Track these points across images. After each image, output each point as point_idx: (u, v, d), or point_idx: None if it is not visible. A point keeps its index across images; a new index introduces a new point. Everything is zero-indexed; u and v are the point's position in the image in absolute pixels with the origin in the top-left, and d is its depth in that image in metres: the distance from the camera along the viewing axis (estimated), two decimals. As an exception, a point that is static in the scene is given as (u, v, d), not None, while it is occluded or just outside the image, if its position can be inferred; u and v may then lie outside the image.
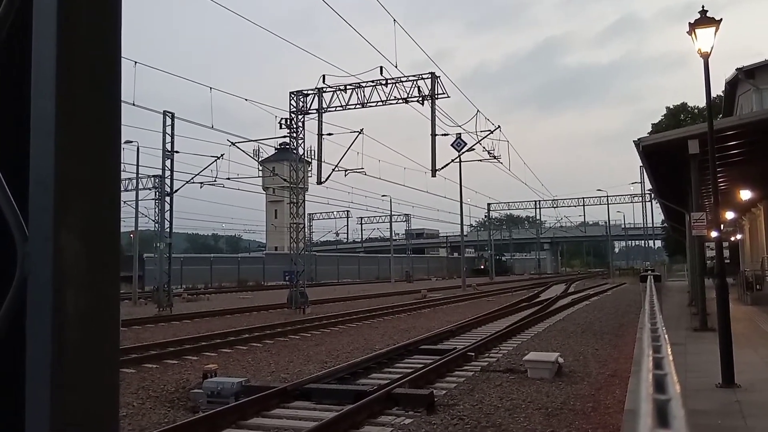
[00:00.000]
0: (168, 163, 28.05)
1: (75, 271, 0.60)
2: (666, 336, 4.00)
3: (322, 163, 29.25)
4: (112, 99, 0.66)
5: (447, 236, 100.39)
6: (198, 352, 14.02)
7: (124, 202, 35.40)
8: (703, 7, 10.68)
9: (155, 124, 27.86)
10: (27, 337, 0.60)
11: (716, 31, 10.46)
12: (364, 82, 26.94)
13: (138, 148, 32.80)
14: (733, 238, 34.87)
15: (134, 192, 35.43)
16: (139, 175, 35.19)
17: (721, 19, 10.53)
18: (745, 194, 22.29)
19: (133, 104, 22.58)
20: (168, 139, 27.60)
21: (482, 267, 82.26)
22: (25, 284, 0.61)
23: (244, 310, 25.74)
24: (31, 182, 0.61)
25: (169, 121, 27.52)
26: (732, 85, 27.28)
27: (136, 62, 22.05)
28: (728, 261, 23.37)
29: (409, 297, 34.72)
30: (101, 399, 0.62)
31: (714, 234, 13.92)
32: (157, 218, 30.78)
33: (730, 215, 27.83)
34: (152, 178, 35.84)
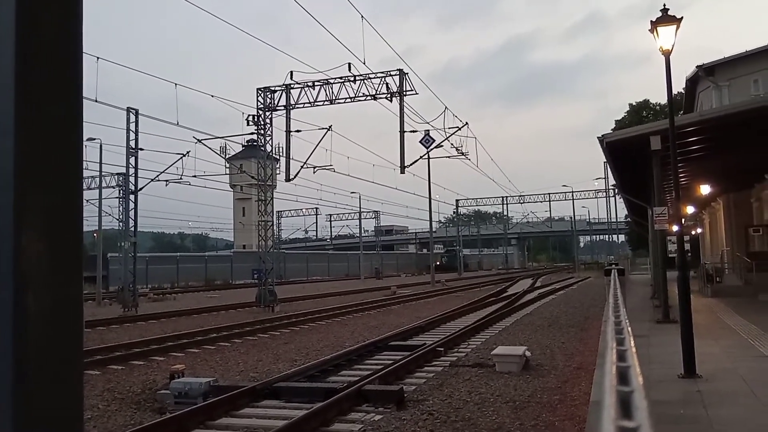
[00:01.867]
0: (132, 160, 27.52)
1: (36, 272, 0.59)
2: (629, 329, 4.09)
3: (291, 160, 29.07)
4: (74, 96, 0.65)
5: (416, 233, 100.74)
6: (165, 352, 13.83)
7: (87, 200, 34.66)
8: (664, 5, 10.90)
9: (119, 121, 27.36)
10: (-13, 339, 0.59)
11: (677, 29, 10.68)
12: (332, 78, 26.84)
13: (101, 146, 32.07)
14: (693, 232, 35.76)
15: (97, 190, 34.68)
16: (103, 173, 34.47)
17: (682, 18, 10.75)
18: (705, 189, 22.88)
19: (96, 101, 22.10)
20: (132, 136, 27.08)
21: (438, 263, 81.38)
22: (-15, 285, 0.59)
23: (211, 309, 25.47)
24: (-11, 181, 0.60)
25: (133, 118, 27.00)
26: (692, 82, 27.92)
27: (98, 58, 21.57)
28: (690, 254, 23.94)
29: (378, 293, 34.77)
30: (65, 400, 0.61)
31: (675, 228, 14.25)
32: (121, 217, 30.20)
33: (690, 209, 28.51)
34: (116, 176, 35.13)
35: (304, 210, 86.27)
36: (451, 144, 32.86)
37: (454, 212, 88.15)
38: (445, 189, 77.59)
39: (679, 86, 29.73)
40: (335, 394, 8.56)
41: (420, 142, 31.25)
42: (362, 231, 75.69)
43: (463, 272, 70.48)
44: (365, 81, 26.48)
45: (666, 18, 10.75)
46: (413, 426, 7.52)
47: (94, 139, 31.55)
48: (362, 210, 68.89)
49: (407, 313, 23.17)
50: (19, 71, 0.60)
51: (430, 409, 8.20)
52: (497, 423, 7.59)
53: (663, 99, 51.29)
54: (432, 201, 51.82)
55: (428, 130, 30.76)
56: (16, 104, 0.60)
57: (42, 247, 0.60)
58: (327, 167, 29.97)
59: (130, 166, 27.68)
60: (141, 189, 28.64)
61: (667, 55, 10.60)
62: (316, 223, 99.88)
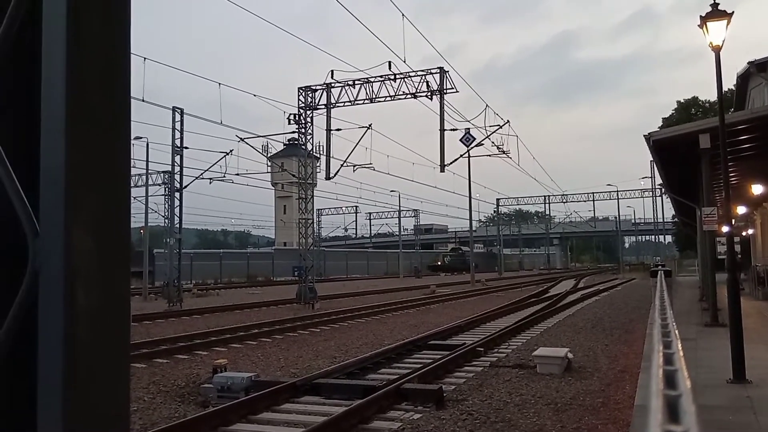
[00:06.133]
0: (177, 159, 28.15)
1: (86, 267, 0.60)
2: (676, 331, 3.98)
3: (331, 159, 29.30)
4: (122, 95, 0.66)
5: (456, 231, 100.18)
6: (208, 347, 14.09)
7: (134, 198, 35.55)
8: (714, -1, 10.60)
9: (165, 120, 28.06)
10: (38, 333, 0.60)
11: (728, 24, 10.36)
12: (372, 77, 26.92)
13: (148, 144, 32.95)
14: (744, 233, 34.59)
15: (144, 188, 35.58)
16: (149, 171, 35.34)
17: (733, 12, 10.43)
18: (757, 189, 22.08)
19: (143, 100, 22.69)
20: (177, 135, 27.68)
21: (438, 263, 77.52)
22: (37, 280, 0.61)
23: (253, 305, 25.83)
24: (41, 178, 0.62)
25: (178, 117, 27.59)
26: (744, 78, 27.00)
27: (145, 58, 22.12)
28: (740, 256, 23.22)
29: (418, 292, 34.72)
30: (112, 393, 0.63)
31: (725, 229, 13.83)
32: (166, 214, 30.91)
33: (741, 210, 27.60)
34: (162, 174, 35.94)
35: (344, 208, 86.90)
36: (492, 142, 32.62)
37: (494, 211, 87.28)
38: (486, 188, 76.84)
39: (729, 83, 28.85)
40: (374, 392, 8.58)
41: (460, 140, 31.16)
42: (401, 229, 75.71)
43: (503, 272, 69.76)
44: (405, 79, 26.47)
45: (716, 13, 10.44)
46: (452, 426, 7.48)
47: (141, 137, 32.43)
48: (402, 208, 68.93)
49: (446, 312, 23.07)
50: (70, 73, 0.61)
51: (469, 409, 8.15)
52: (538, 425, 7.49)
53: (713, 96, 49.85)
54: (472, 200, 51.52)
55: (469, 128, 30.64)
56: (67, 104, 0.61)
57: (91, 243, 0.61)
58: (367, 165, 30.09)
59: (176, 164, 28.31)
60: (186, 187, 29.27)
61: (717, 51, 10.30)
62: (356, 221, 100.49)
